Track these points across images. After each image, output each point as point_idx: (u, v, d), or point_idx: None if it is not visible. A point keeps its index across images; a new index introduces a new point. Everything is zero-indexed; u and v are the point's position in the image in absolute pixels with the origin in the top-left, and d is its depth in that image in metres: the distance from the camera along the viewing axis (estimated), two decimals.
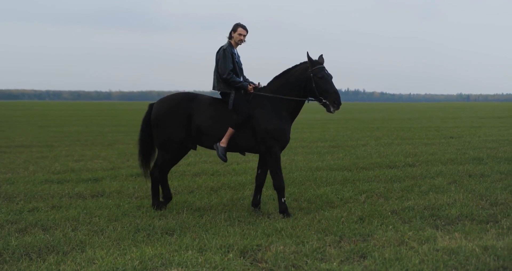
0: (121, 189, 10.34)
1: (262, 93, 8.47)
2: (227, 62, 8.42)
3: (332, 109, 8.11)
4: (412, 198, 9.36)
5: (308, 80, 8.24)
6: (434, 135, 23.56)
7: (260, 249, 6.46)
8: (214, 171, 12.66)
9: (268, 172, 8.61)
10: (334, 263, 5.94)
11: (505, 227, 7.39)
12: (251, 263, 6.05)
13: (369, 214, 8.16)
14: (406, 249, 6.38)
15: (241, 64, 8.73)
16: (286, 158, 15.06)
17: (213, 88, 8.64)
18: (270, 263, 5.99)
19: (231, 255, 6.21)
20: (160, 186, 8.94)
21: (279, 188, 8.37)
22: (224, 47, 8.50)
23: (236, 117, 8.30)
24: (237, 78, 8.46)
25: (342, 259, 6.11)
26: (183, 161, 14.47)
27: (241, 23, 8.64)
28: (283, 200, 8.33)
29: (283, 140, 8.33)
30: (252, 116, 8.31)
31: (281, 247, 6.44)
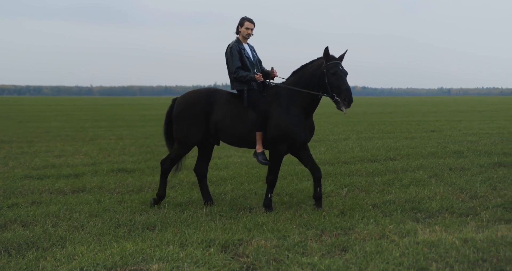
0: (102, 184, 10.28)
1: (276, 85, 8.38)
2: (234, 61, 8.31)
3: (342, 107, 7.89)
4: (393, 191, 9.41)
5: (322, 76, 8.05)
6: (415, 129, 23.70)
7: (241, 244, 6.46)
8: None
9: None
10: (316, 257, 5.95)
11: (484, 219, 7.45)
12: (233, 258, 6.04)
13: (351, 208, 8.19)
14: (387, 242, 6.41)
15: (255, 58, 8.56)
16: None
17: (231, 88, 8.55)
18: (251, 257, 5.98)
19: (212, 249, 6.20)
20: (202, 189, 8.92)
21: (271, 183, 8.32)
22: (231, 45, 8.41)
23: (256, 119, 8.16)
24: (244, 72, 8.28)
25: (324, 253, 6.12)
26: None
27: (247, 16, 8.51)
28: (269, 195, 8.28)
29: (290, 139, 8.16)
30: (267, 111, 8.18)
31: (263, 241, 6.44)
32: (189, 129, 8.50)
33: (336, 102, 7.94)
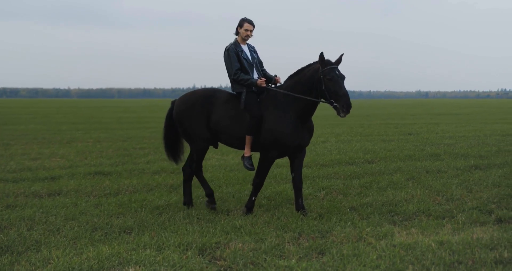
0: (79, 187, 10.20)
1: (273, 89, 8.24)
2: (232, 63, 8.24)
3: (341, 113, 7.69)
4: (370, 194, 9.45)
5: (319, 82, 7.85)
6: (393, 132, 23.84)
7: (218, 247, 6.44)
8: (174, 168, 12.56)
9: (255, 171, 8.37)
10: (293, 260, 5.95)
11: (460, 222, 7.51)
12: (210, 261, 6.02)
13: (328, 211, 8.21)
14: (364, 245, 6.43)
15: (255, 59, 8.48)
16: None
17: (232, 90, 8.46)
18: (228, 260, 5.97)
19: (189, 253, 6.18)
20: (185, 189, 8.90)
21: (257, 186, 8.24)
22: (228, 47, 8.34)
23: (248, 122, 8.06)
24: (245, 76, 8.19)
25: (301, 256, 6.13)
26: (142, 159, 14.37)
27: (247, 17, 8.42)
28: (253, 198, 8.22)
29: (282, 145, 8.01)
30: (263, 116, 8.07)
31: (240, 245, 6.43)
32: (195, 127, 8.42)
33: (335, 108, 7.74)
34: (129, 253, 6.16)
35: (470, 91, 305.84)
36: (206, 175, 11.57)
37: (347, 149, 16.33)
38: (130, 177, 11.42)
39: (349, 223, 7.50)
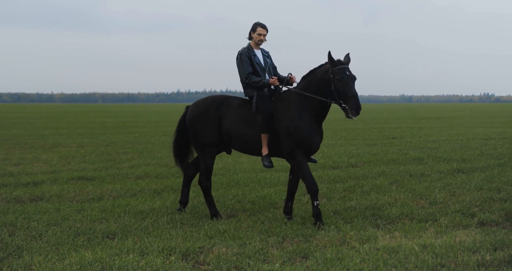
0: (62, 192, 10.13)
1: (286, 90, 8.15)
2: (245, 67, 8.16)
3: (350, 115, 7.55)
4: (354, 198, 9.47)
5: (329, 82, 7.70)
6: (377, 136, 23.95)
7: (202, 252, 6.42)
8: (158, 173, 12.55)
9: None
10: (277, 264, 5.95)
11: (443, 225, 7.55)
12: (193, 266, 6.00)
13: (312, 215, 8.20)
14: (347, 249, 6.44)
15: (267, 64, 8.39)
16: (230, 159, 15.04)
17: (244, 95, 8.37)
18: (212, 265, 5.95)
19: (173, 258, 6.15)
20: (183, 189, 8.85)
21: (311, 190, 7.79)
22: (240, 52, 8.27)
23: (261, 119, 7.95)
24: (257, 78, 8.10)
25: (285, 260, 6.13)
26: (125, 164, 14.30)
27: (260, 22, 8.33)
28: (315, 203, 7.73)
29: (305, 144, 7.81)
30: (275, 116, 7.94)
31: (224, 249, 6.42)
32: (205, 133, 8.31)
33: (344, 109, 7.63)
34: (112, 258, 6.12)
35: (454, 95, 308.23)
36: None
37: (331, 153, 16.36)
38: (114, 182, 11.36)
39: (332, 226, 7.52)
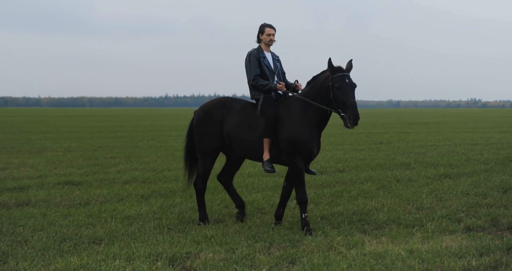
0: (48, 197, 10.06)
1: (291, 96, 8.02)
2: (252, 68, 8.01)
3: (349, 125, 7.39)
4: (341, 203, 9.49)
5: (328, 90, 7.54)
6: (364, 141, 24.00)
7: (189, 257, 6.41)
8: (145, 178, 12.51)
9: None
10: (264, 270, 5.96)
11: (430, 230, 7.57)
12: None
13: (299, 220, 8.21)
14: (334, 254, 6.45)
15: (277, 67, 8.25)
16: (218, 164, 14.99)
17: (250, 97, 8.26)
18: None
19: (159, 263, 6.13)
20: (232, 195, 8.72)
21: (301, 201, 7.74)
22: (249, 52, 8.13)
23: (264, 123, 7.82)
24: (264, 81, 7.98)
25: (271, 265, 6.12)
26: (113, 168, 14.24)
27: (267, 22, 8.19)
28: (303, 216, 7.69)
29: (305, 151, 7.72)
30: (278, 121, 7.81)
31: (211, 255, 6.40)
32: (207, 139, 8.26)
33: (343, 118, 7.46)
34: (98, 264, 6.10)
35: (441, 100, 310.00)
36: (177, 184, 11.51)
37: (318, 158, 16.35)
38: (101, 187, 11.32)
39: (320, 232, 7.53)
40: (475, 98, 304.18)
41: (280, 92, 8.17)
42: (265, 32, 8.14)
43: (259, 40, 8.25)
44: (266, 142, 7.85)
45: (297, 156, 7.73)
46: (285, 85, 8.13)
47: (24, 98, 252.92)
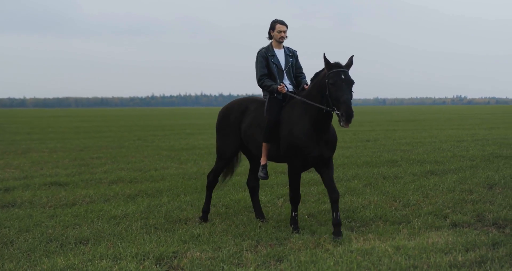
0: (34, 198, 10.01)
1: (293, 96, 7.73)
2: (258, 68, 7.85)
3: (341, 123, 6.99)
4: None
5: (324, 87, 7.20)
6: (351, 138, 24.05)
7: (176, 256, 6.40)
8: (132, 178, 12.46)
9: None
10: (251, 268, 5.95)
11: (416, 227, 7.61)
12: None
13: (286, 218, 8.23)
14: (321, 252, 6.47)
15: (288, 64, 7.95)
16: (205, 163, 15.02)
17: (263, 97, 8.12)
18: (186, 269, 5.94)
19: (146, 263, 6.12)
20: (254, 204, 8.55)
21: (291, 200, 7.69)
22: (258, 51, 7.96)
23: (264, 128, 7.67)
24: (269, 82, 7.77)
25: (259, 263, 6.13)
26: (99, 169, 14.19)
27: (278, 18, 7.94)
28: (293, 214, 7.64)
29: (299, 154, 7.42)
30: (281, 122, 7.63)
31: (198, 254, 6.40)
32: (224, 140, 8.28)
33: (338, 116, 7.05)
34: (85, 264, 6.07)
35: (427, 97, 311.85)
36: (164, 183, 11.50)
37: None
38: (87, 187, 11.27)
39: (307, 229, 7.54)
40: (460, 96, 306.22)
41: (287, 89, 7.86)
42: (276, 29, 7.89)
43: (270, 37, 8.02)
44: (264, 146, 7.78)
45: (292, 158, 7.56)
46: (294, 85, 7.97)
47: (9, 99, 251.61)
